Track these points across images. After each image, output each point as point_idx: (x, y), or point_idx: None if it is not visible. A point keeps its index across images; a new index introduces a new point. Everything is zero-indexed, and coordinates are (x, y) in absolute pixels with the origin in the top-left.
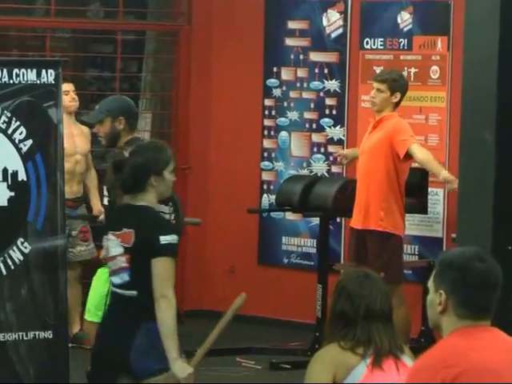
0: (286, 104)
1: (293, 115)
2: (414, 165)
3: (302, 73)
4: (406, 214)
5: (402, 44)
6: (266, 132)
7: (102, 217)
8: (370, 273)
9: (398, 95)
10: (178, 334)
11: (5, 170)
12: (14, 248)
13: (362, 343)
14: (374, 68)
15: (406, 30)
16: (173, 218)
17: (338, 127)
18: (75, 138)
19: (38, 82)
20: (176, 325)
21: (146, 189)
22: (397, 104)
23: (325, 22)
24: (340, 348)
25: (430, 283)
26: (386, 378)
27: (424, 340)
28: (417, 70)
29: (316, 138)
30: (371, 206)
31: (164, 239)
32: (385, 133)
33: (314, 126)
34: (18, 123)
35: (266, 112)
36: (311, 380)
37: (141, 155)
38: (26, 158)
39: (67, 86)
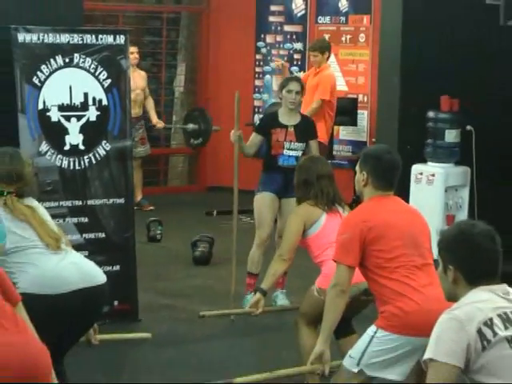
0: (269, 58)
1: (273, 65)
2: (349, 96)
3: (279, 38)
4: (343, 127)
5: (341, 20)
6: (256, 75)
7: (159, 125)
8: (313, 155)
9: (327, 53)
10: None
11: (94, 98)
12: (100, 147)
13: (318, 197)
14: (324, 35)
15: (344, 11)
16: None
17: (301, 72)
18: (135, 79)
19: (114, 43)
20: None
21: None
22: (328, 57)
23: (293, 6)
24: (309, 205)
25: (357, 167)
26: (335, 227)
27: (355, 204)
28: (351, 36)
29: None
30: None
31: None
32: (319, 79)
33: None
34: (101, 69)
35: (257, 63)
36: (289, 226)
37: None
38: (107, 90)
39: (133, 49)
